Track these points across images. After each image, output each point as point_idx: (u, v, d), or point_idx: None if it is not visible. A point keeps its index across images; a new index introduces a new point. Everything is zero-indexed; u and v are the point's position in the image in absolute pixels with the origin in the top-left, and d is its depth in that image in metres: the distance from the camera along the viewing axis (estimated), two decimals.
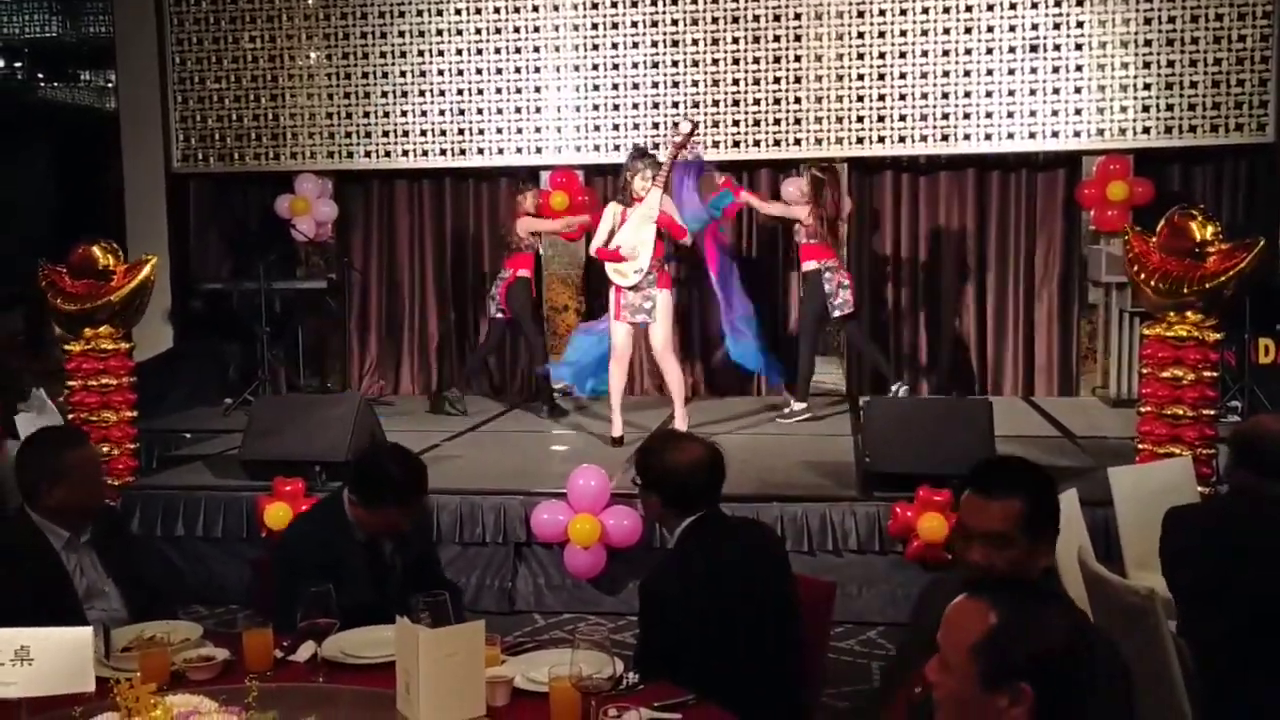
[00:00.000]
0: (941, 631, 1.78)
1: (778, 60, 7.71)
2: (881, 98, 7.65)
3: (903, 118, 7.65)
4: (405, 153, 8.18)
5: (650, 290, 6.18)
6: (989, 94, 7.56)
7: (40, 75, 14.10)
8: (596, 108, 7.93)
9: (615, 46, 7.87)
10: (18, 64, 14.35)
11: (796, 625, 2.90)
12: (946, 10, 7.53)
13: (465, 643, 2.29)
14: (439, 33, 8.05)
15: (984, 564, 2.26)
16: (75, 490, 3.09)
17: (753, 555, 2.88)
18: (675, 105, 7.81)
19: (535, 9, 7.93)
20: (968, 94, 7.57)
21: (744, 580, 2.80)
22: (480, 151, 8.09)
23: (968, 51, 7.54)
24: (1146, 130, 7.47)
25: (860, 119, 7.68)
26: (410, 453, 3.29)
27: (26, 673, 2.19)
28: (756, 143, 7.79)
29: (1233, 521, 3.28)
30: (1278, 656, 3.03)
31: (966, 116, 7.59)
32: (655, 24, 7.82)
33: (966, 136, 7.62)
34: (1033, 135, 7.58)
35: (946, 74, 7.57)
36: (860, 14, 7.61)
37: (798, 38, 7.68)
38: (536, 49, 7.96)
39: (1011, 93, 7.55)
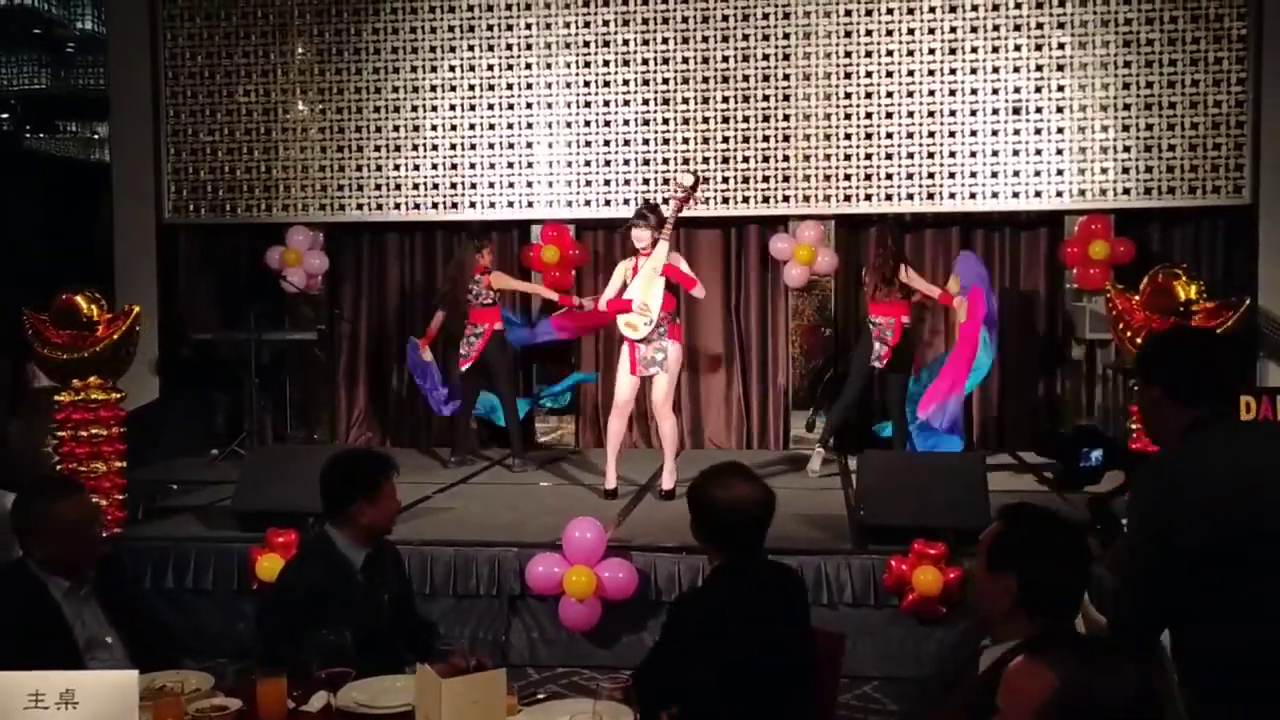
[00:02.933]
0: (1001, 694, 1.77)
1: (767, 119, 7.85)
2: (868, 156, 7.79)
3: (889, 176, 7.79)
4: (397, 205, 8.24)
5: (662, 342, 6.22)
6: (973, 154, 7.72)
7: (28, 126, 14.18)
8: (588, 163, 8.04)
9: (607, 103, 7.99)
10: (4, 115, 14.44)
11: (810, 674, 2.92)
12: (932, 72, 7.71)
13: (486, 691, 2.30)
14: (432, 88, 8.15)
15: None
16: (63, 544, 3.05)
17: (783, 603, 2.91)
18: (665, 162, 7.92)
19: (528, 66, 8.06)
20: (953, 154, 7.73)
21: (772, 627, 2.82)
22: (472, 205, 8.16)
23: (953, 113, 7.70)
24: (1126, 191, 7.64)
25: (848, 177, 7.82)
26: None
27: (70, 716, 2.18)
28: (745, 199, 7.91)
29: None
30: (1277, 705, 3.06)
31: (951, 176, 7.73)
32: (646, 82, 7.96)
33: (952, 195, 7.76)
34: (1016, 195, 7.73)
35: (932, 134, 7.72)
36: (848, 75, 7.78)
37: (786, 97, 7.83)
38: (529, 105, 8.08)
39: (995, 153, 7.71)
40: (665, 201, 7.10)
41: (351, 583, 3.19)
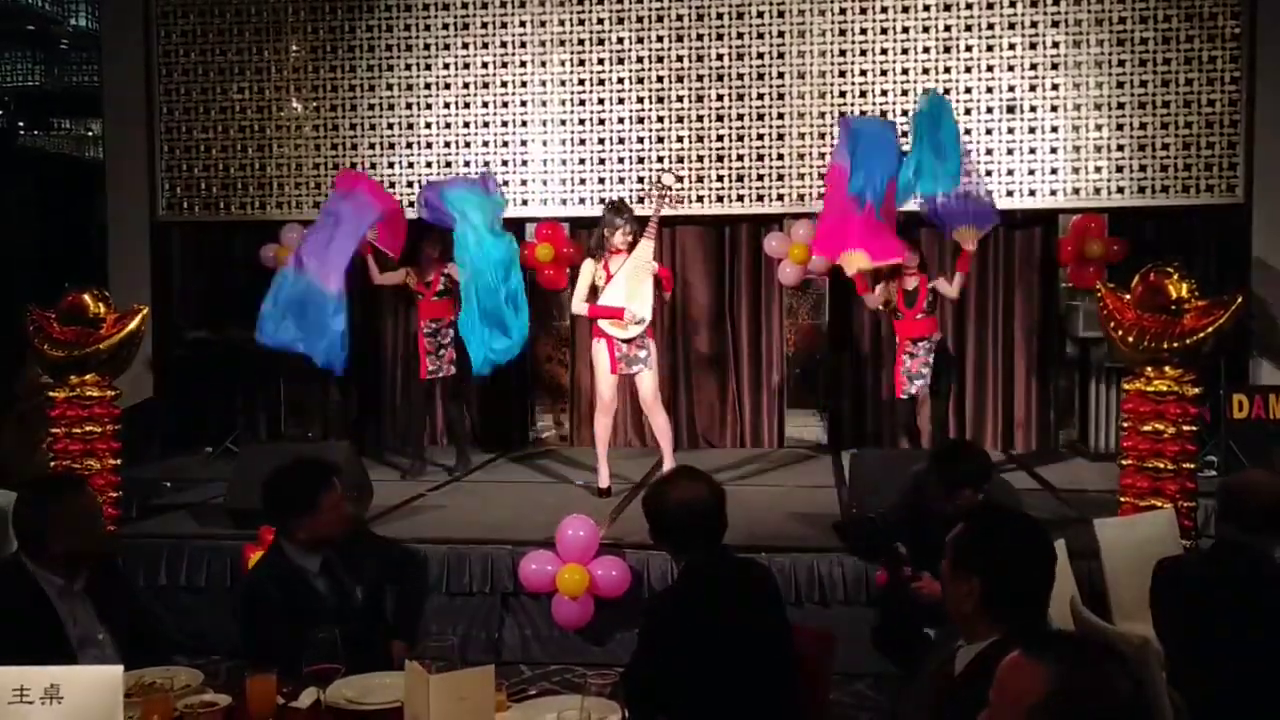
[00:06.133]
0: (994, 690, 1.75)
1: (761, 117, 7.85)
2: None
3: None
4: None
5: (644, 340, 6.25)
6: (967, 152, 7.69)
7: (21, 123, 14.11)
8: (582, 161, 8.03)
9: (601, 102, 7.98)
10: None
11: (790, 668, 2.92)
12: (926, 71, 7.71)
13: (475, 688, 2.30)
14: (427, 86, 8.14)
15: None
16: (82, 535, 3.09)
17: (750, 598, 2.92)
18: (660, 160, 7.91)
19: (522, 64, 8.05)
20: None
21: (741, 622, 2.84)
22: None
23: None
24: (1120, 190, 7.64)
25: None
26: (301, 455, 3.43)
27: (56, 711, 2.18)
28: (739, 198, 7.90)
29: (1219, 574, 3.34)
30: (1265, 705, 3.08)
31: None
32: (641, 80, 7.95)
33: None
34: (1010, 193, 7.72)
35: None
36: (842, 73, 7.78)
37: (781, 95, 7.82)
38: (523, 103, 8.06)
39: (989, 152, 7.71)
40: (640, 200, 7.13)
41: (307, 588, 3.18)
